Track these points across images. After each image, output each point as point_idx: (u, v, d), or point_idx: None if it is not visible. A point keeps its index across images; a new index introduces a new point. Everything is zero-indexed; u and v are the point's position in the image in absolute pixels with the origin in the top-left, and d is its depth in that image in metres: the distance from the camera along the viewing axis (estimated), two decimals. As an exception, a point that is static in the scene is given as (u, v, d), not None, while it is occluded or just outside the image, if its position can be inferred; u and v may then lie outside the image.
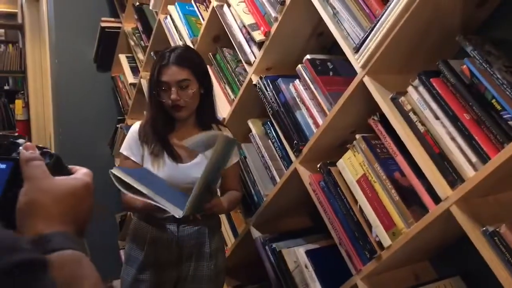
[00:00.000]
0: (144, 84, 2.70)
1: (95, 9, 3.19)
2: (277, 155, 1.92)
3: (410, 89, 1.33)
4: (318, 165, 1.65)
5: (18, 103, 4.46)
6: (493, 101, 1.16)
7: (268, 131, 1.95)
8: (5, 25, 5.13)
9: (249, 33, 1.89)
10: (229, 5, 2.03)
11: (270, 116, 1.85)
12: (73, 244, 0.52)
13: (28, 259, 0.44)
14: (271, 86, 1.84)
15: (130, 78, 3.01)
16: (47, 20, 3.34)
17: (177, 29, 2.39)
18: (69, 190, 0.57)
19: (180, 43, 2.38)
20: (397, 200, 1.38)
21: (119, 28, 3.07)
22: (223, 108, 2.13)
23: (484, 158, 1.14)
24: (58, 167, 0.61)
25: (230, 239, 2.20)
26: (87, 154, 3.29)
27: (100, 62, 3.27)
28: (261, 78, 1.87)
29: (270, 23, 1.81)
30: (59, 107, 3.29)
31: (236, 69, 2.12)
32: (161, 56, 1.73)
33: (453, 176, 1.21)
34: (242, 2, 1.95)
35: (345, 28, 1.50)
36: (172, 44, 2.43)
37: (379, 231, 1.42)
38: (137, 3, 2.87)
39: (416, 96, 1.31)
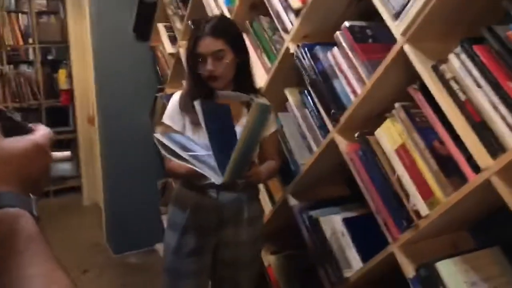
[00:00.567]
0: (182, 53, 2.72)
1: (134, -22, 3.21)
2: (314, 124, 1.92)
3: (452, 56, 1.29)
4: (356, 135, 1.64)
5: (62, 73, 4.58)
6: (540, 68, 1.12)
7: (305, 100, 1.95)
8: (47, -4, 5.23)
9: (286, 0, 1.87)
10: (266, -28, 2.00)
11: (307, 85, 1.84)
12: (18, 202, 0.54)
13: None
14: (308, 54, 1.82)
15: (169, 48, 3.03)
16: (86, -10, 3.39)
17: (214, -3, 2.39)
18: (17, 151, 0.57)
19: (217, 11, 2.37)
20: (435, 170, 1.37)
21: (157, -3, 3.09)
22: (260, 77, 2.13)
23: (527, 127, 1.12)
24: (11, 127, 0.61)
25: (267, 207, 2.24)
26: (128, 123, 3.38)
27: (139, 32, 3.30)
28: (298, 46, 1.85)
29: (308, -11, 1.78)
30: (100, 76, 3.36)
31: (273, 37, 2.11)
32: (196, 28, 1.75)
33: (494, 145, 1.19)
34: (279, -32, 1.92)
35: (385, -7, 1.46)
36: (209, 13, 2.43)
37: (417, 200, 1.42)
38: (174, -28, 2.86)
39: (458, 64, 1.28)
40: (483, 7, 1.35)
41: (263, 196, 2.26)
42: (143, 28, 3.24)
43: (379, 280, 1.79)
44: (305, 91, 1.94)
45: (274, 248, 2.28)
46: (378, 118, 1.59)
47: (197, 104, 1.52)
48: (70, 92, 4.56)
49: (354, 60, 1.65)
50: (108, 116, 3.39)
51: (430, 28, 1.34)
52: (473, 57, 1.23)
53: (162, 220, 3.41)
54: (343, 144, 1.72)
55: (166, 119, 1.84)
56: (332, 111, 1.73)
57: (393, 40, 1.44)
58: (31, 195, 0.57)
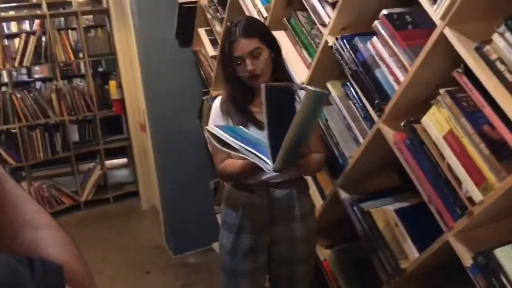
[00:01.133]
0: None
1: (172, -14, 3.29)
2: (359, 115, 1.90)
3: (496, 36, 1.25)
4: (402, 123, 1.61)
5: (112, 84, 4.75)
6: None
7: (348, 92, 1.93)
8: (93, 11, 5.43)
9: (321, -6, 1.86)
10: (299, -33, 2.00)
11: (349, 77, 1.83)
12: None
13: None
14: (348, 46, 1.81)
15: (211, 51, 3.08)
16: (128, 2, 3.50)
17: (250, -3, 2.41)
18: None
19: (254, 11, 2.39)
20: (487, 155, 1.33)
21: (195, 2, 3.14)
22: (301, 72, 2.14)
23: None
24: None
25: (318, 201, 2.24)
26: (178, 127, 3.47)
27: (182, 38, 3.37)
28: (337, 39, 1.84)
29: (342, -19, 1.77)
30: (147, 85, 3.47)
31: (312, 32, 2.10)
32: (227, 33, 1.76)
33: (548, 126, 1.14)
34: (312, -38, 1.91)
35: (421, -22, 1.43)
36: (247, 13, 2.46)
37: (469, 187, 1.39)
38: (211, -25, 2.90)
39: (503, 43, 1.23)
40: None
41: (313, 191, 2.27)
42: (185, 34, 3.31)
43: (437, 270, 1.76)
44: (348, 83, 1.92)
45: (328, 242, 2.28)
46: (423, 105, 1.55)
47: (262, 87, 1.47)
48: (121, 102, 4.72)
49: (395, 48, 1.62)
50: (158, 122, 3.49)
51: (470, 9, 1.30)
52: (518, 35, 1.18)
53: (217, 219, 3.47)
54: (389, 134, 1.69)
55: (210, 125, 1.87)
56: (376, 101, 1.71)
57: (433, 25, 1.41)
58: None
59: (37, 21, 5.92)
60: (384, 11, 1.64)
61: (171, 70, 3.39)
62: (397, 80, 1.64)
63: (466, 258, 1.44)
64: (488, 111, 1.31)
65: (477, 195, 1.36)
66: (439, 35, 1.37)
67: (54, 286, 0.49)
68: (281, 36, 2.28)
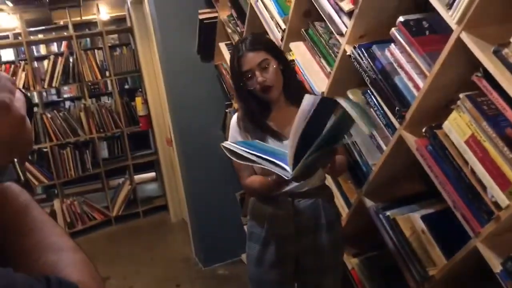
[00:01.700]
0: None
1: (192, 2, 3.34)
2: (381, 123, 1.90)
3: (513, 39, 1.24)
4: (424, 129, 1.61)
5: (138, 100, 4.85)
6: None
7: (369, 99, 1.93)
8: (117, 30, 5.57)
9: (337, 4, 1.88)
10: (315, -21, 2.02)
11: (369, 84, 1.83)
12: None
13: None
14: (366, 54, 1.81)
15: (232, 64, 3.13)
16: (151, 20, 3.58)
17: (268, 10, 2.44)
18: None
19: (272, 23, 2.42)
20: (511, 158, 1.31)
21: (215, 17, 3.19)
22: (321, 82, 2.15)
23: None
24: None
25: (343, 210, 2.23)
26: (203, 140, 3.51)
27: (203, 53, 3.43)
28: (354, 47, 1.85)
29: (357, -10, 1.78)
30: (172, 99, 3.54)
31: (330, 41, 2.11)
32: (235, 50, 1.82)
33: None
34: (327, -27, 1.93)
35: (435, -16, 1.43)
36: (265, 26, 2.49)
37: (494, 192, 1.37)
38: (229, -10, 2.95)
39: (521, 45, 1.22)
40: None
41: (339, 200, 2.27)
42: (206, 49, 3.36)
43: (467, 276, 1.73)
44: (368, 91, 1.92)
45: (355, 251, 2.27)
46: (444, 111, 1.54)
47: (311, 98, 1.40)
48: (148, 117, 4.82)
49: (412, 55, 1.62)
50: (184, 135, 3.55)
51: (486, 12, 1.29)
52: (536, 37, 1.17)
53: (245, 230, 3.49)
54: (411, 140, 1.69)
55: (225, 142, 1.89)
56: (397, 108, 1.71)
57: (450, 30, 1.40)
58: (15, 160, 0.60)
59: (64, 43, 6.12)
60: (401, 18, 1.64)
61: (194, 84, 3.46)
62: (416, 87, 1.63)
63: (495, 264, 1.42)
64: (510, 114, 1.29)
65: (503, 200, 1.34)
66: (456, 40, 1.37)
67: None
68: (299, 47, 2.31)
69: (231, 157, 1.63)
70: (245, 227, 3.44)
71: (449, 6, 1.37)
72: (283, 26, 2.33)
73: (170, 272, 3.77)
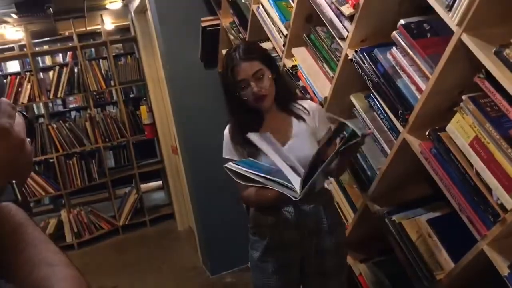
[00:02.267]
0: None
1: (195, 10, 3.36)
2: (384, 126, 1.89)
3: (515, 39, 1.23)
4: (427, 132, 1.59)
5: (143, 109, 4.87)
6: None
7: (372, 103, 1.92)
8: (121, 40, 5.61)
9: (338, 8, 1.88)
10: (315, -16, 2.02)
11: (371, 88, 1.82)
12: None
13: None
14: (367, 58, 1.80)
15: (235, 71, 3.14)
16: (154, 29, 3.60)
17: (270, 16, 2.44)
18: None
19: (274, 29, 2.42)
20: (516, 159, 1.29)
21: (218, 25, 3.20)
22: (324, 87, 2.14)
23: None
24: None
25: (350, 215, 2.22)
26: (209, 148, 3.50)
27: (207, 60, 3.44)
28: (356, 51, 1.84)
29: (357, -6, 1.78)
30: (176, 107, 3.55)
31: (332, 46, 2.11)
32: (228, 59, 1.80)
33: None
34: (327, -22, 1.93)
35: (435, -14, 1.42)
36: (267, 32, 2.49)
37: (500, 194, 1.35)
38: (231, -2, 2.96)
39: (523, 45, 1.21)
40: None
41: (345, 205, 2.25)
42: (210, 56, 3.37)
43: (476, 280, 1.71)
44: (371, 95, 1.91)
45: (362, 256, 2.25)
46: (448, 113, 1.53)
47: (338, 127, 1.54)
48: (153, 126, 4.83)
49: (414, 57, 1.61)
50: (189, 143, 3.56)
51: (486, 13, 1.28)
52: (537, 37, 1.16)
53: (252, 238, 3.48)
54: (415, 143, 1.67)
55: (226, 154, 1.90)
56: (400, 111, 1.70)
57: (451, 32, 1.39)
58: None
59: (69, 53, 6.16)
60: (402, 21, 1.63)
61: (198, 91, 3.46)
62: (419, 89, 1.62)
63: (502, 267, 1.40)
64: (513, 115, 1.28)
65: (508, 202, 1.32)
66: (457, 42, 1.36)
67: None
68: (302, 52, 2.31)
69: (236, 179, 1.63)
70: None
71: (449, 8, 1.36)
72: (285, 32, 2.34)
73: (178, 280, 3.76)
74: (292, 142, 1.82)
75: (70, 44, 5.15)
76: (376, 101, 1.89)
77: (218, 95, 3.56)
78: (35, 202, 5.87)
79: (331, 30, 1.98)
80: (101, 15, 4.98)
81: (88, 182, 4.84)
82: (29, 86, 4.58)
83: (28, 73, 4.71)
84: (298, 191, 1.52)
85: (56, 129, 4.64)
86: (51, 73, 4.75)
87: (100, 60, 5.26)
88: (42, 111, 5.40)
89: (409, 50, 1.62)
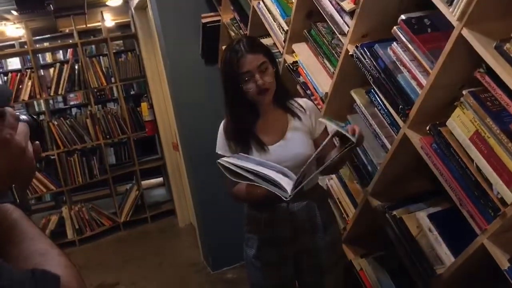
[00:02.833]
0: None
1: (195, 7, 3.36)
2: (385, 122, 1.89)
3: (515, 33, 1.23)
4: (428, 127, 1.60)
5: (144, 106, 4.88)
6: None
7: (373, 98, 1.92)
8: (122, 36, 5.61)
9: (338, 4, 1.88)
10: (316, -20, 2.02)
11: (372, 83, 1.83)
12: None
13: None
14: (368, 53, 1.81)
15: (236, 67, 3.14)
16: (154, 26, 3.61)
17: (270, 12, 2.44)
18: None
19: (275, 25, 2.43)
20: (516, 154, 1.30)
21: (218, 21, 3.20)
22: (325, 82, 2.15)
23: None
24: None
25: (350, 210, 2.23)
26: (209, 145, 3.50)
27: (207, 56, 3.44)
28: (356, 47, 1.84)
29: (357, -11, 1.78)
30: (177, 104, 3.55)
31: (333, 41, 2.11)
32: (232, 51, 1.77)
33: None
34: (327, -26, 1.93)
35: (435, -19, 1.42)
36: (268, 29, 2.49)
37: (500, 188, 1.36)
38: (231, -6, 2.96)
39: (523, 40, 1.21)
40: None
41: (345, 201, 2.26)
42: (210, 53, 3.38)
43: (477, 274, 1.71)
44: (372, 90, 1.92)
45: (363, 251, 2.26)
46: (449, 108, 1.54)
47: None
48: (154, 122, 4.84)
49: (415, 53, 1.61)
50: (189, 139, 3.56)
51: (486, 8, 1.28)
52: (538, 31, 1.16)
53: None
54: (416, 138, 1.68)
55: (219, 150, 1.89)
56: (400, 106, 1.70)
57: (452, 26, 1.40)
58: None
59: (70, 50, 6.17)
60: (402, 16, 1.63)
61: (199, 88, 3.47)
62: (419, 84, 1.63)
63: (503, 261, 1.41)
64: (513, 109, 1.28)
65: (508, 196, 1.33)
66: (457, 37, 1.36)
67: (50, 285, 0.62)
68: (302, 48, 2.31)
69: (228, 175, 1.63)
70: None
71: (450, 2, 1.36)
72: (286, 28, 2.34)
73: (179, 276, 3.77)
74: (287, 138, 1.82)
75: (70, 41, 5.15)
76: (376, 96, 1.89)
77: (218, 92, 3.54)
78: (36, 199, 5.89)
79: (332, 26, 1.99)
80: (102, 12, 4.98)
81: (89, 179, 4.85)
82: (30, 83, 4.58)
83: (28, 70, 4.72)
84: (289, 191, 1.52)
85: (57, 126, 4.65)
86: (51, 70, 4.75)
87: (101, 57, 5.25)
88: (43, 108, 5.39)
89: (409, 45, 1.62)
